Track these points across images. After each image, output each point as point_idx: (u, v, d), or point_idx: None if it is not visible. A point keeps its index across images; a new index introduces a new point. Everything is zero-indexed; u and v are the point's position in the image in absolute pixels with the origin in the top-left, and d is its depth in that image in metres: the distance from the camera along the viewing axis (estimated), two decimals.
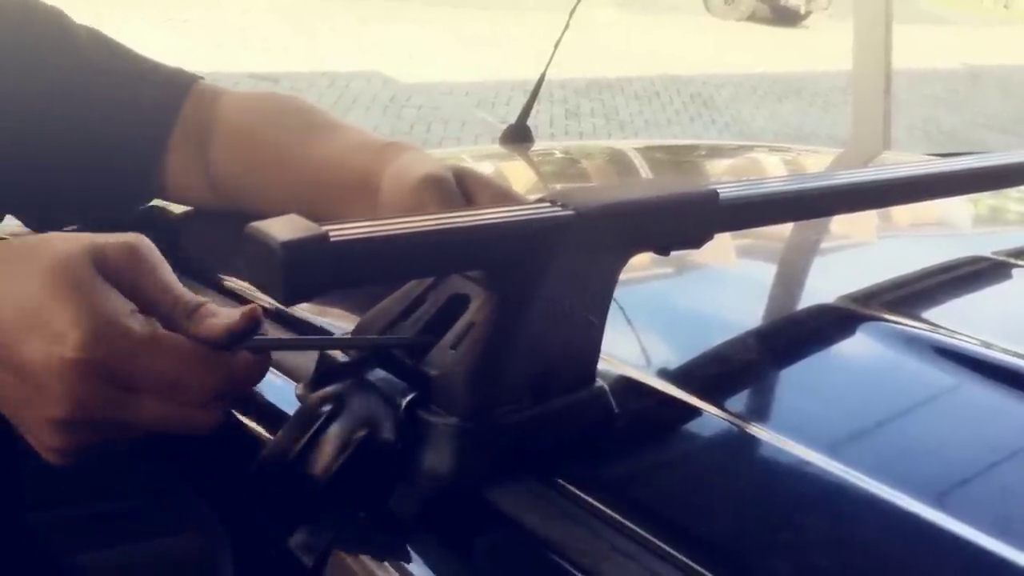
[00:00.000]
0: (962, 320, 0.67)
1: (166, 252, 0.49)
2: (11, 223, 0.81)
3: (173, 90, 0.80)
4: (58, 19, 0.77)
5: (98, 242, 0.45)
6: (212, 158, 0.80)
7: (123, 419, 0.44)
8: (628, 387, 0.55)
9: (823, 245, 0.94)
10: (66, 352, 0.42)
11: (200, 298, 0.47)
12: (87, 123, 0.76)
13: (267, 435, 0.53)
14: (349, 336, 0.52)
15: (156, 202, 0.88)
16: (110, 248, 0.45)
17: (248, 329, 0.45)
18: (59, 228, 0.83)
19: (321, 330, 0.62)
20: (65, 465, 0.46)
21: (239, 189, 0.80)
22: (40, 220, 0.81)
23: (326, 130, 0.76)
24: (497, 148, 1.45)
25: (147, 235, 0.48)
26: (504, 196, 0.63)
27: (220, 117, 0.80)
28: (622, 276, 0.53)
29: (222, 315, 0.46)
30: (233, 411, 0.52)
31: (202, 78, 0.83)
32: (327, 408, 0.49)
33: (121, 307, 0.44)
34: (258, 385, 0.49)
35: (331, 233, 0.40)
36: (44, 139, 0.74)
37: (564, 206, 0.49)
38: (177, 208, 0.87)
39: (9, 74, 0.72)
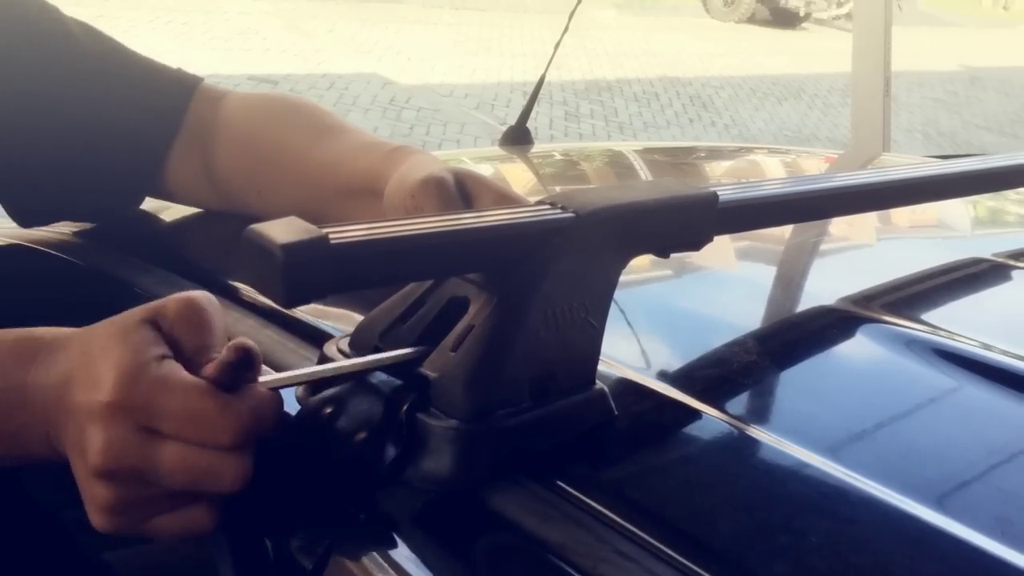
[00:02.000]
0: (962, 322, 0.67)
1: (167, 253, 0.49)
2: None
3: (178, 91, 0.80)
4: (61, 21, 0.77)
5: (162, 300, 0.47)
6: (216, 159, 0.80)
7: (151, 465, 0.44)
8: (628, 389, 0.55)
9: (823, 247, 0.94)
10: (101, 396, 0.43)
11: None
12: (91, 123, 0.76)
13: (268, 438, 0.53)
14: (356, 361, 0.51)
15: (158, 203, 0.87)
16: (171, 303, 0.47)
17: (240, 362, 0.45)
18: (49, 223, 0.83)
19: (321, 332, 0.62)
20: (112, 536, 0.46)
21: (242, 191, 0.80)
22: (35, 216, 0.80)
23: (333, 132, 0.75)
24: (497, 150, 1.45)
25: (148, 236, 0.48)
26: (505, 198, 0.63)
27: (224, 118, 0.79)
28: (622, 278, 0.53)
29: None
30: None
31: (203, 80, 0.83)
32: (328, 411, 0.49)
33: (151, 352, 0.44)
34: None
35: (331, 236, 0.40)
36: (47, 138, 0.74)
37: (563, 208, 0.49)
38: (179, 210, 0.87)
39: (13, 75, 0.72)
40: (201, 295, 0.48)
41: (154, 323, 0.46)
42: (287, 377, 0.49)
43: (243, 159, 0.78)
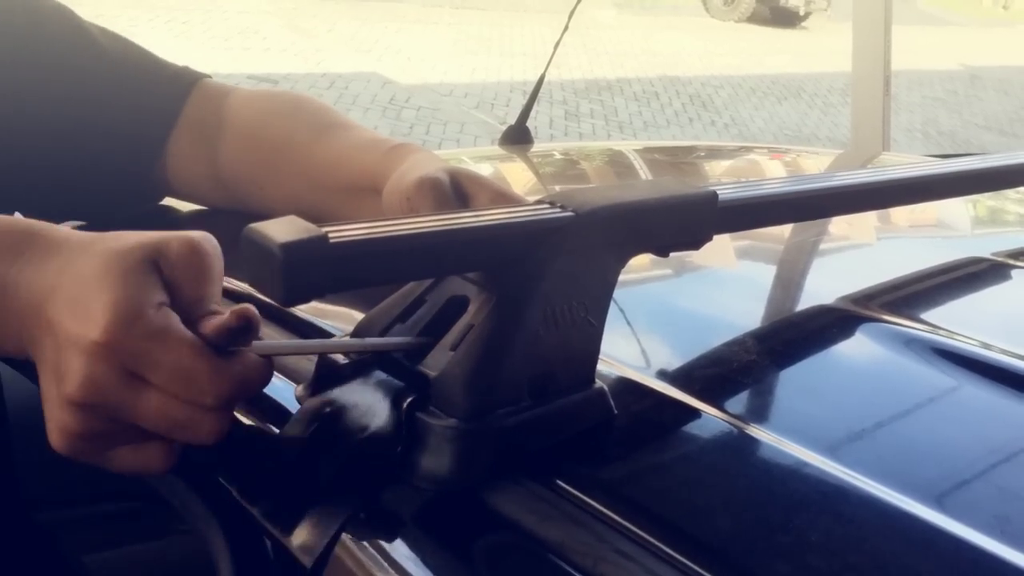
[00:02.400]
0: (961, 321, 0.67)
1: None
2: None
3: (176, 87, 0.80)
4: (68, 17, 0.77)
5: (164, 238, 0.46)
6: (219, 156, 0.80)
7: (130, 408, 0.44)
8: (627, 388, 0.55)
9: (822, 246, 0.94)
10: (92, 334, 0.43)
11: (223, 304, 0.47)
12: (89, 120, 0.76)
13: (268, 437, 0.53)
14: (351, 340, 0.52)
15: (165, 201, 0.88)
16: (174, 243, 0.46)
17: (240, 328, 0.45)
18: (58, 221, 0.83)
19: (321, 331, 0.62)
20: (66, 461, 0.46)
21: (245, 187, 0.79)
22: (43, 216, 0.80)
23: (335, 129, 0.75)
24: (496, 149, 1.45)
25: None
26: (502, 197, 0.63)
27: (229, 114, 0.79)
28: (621, 277, 0.53)
29: (222, 316, 0.46)
30: (235, 414, 0.52)
31: (209, 76, 0.83)
32: (327, 410, 0.49)
33: (151, 298, 0.44)
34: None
35: (330, 234, 0.40)
36: (47, 136, 0.74)
37: (563, 207, 0.49)
38: (181, 208, 0.87)
39: (16, 71, 0.72)
40: (204, 238, 0.47)
41: (155, 264, 0.45)
42: (279, 346, 0.49)
43: (246, 155, 0.78)
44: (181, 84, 0.80)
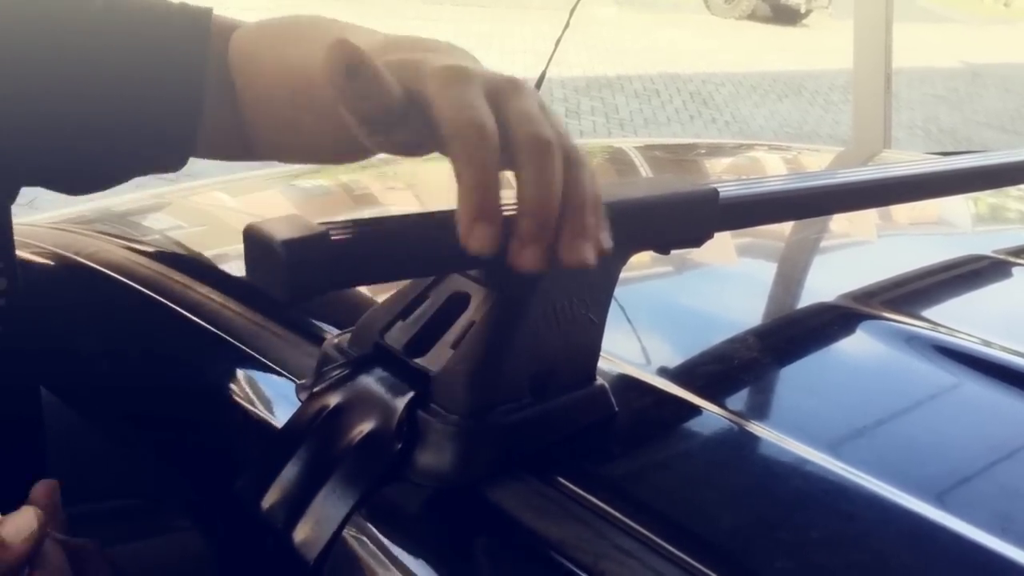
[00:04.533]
0: (962, 318, 0.67)
1: (165, 248, 0.49)
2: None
3: (197, 31, 0.69)
4: None
5: None
6: (241, 103, 0.69)
7: None
8: (628, 385, 0.55)
9: (823, 244, 0.94)
10: None
11: None
12: (113, 80, 0.67)
13: (269, 433, 0.53)
14: None
15: (158, 197, 0.87)
16: None
17: None
18: (96, 190, 0.78)
19: (322, 329, 0.62)
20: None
21: (277, 135, 0.69)
22: (74, 185, 0.72)
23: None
24: None
25: (149, 237, 0.47)
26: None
27: (242, 53, 0.69)
28: (622, 275, 0.53)
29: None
30: (237, 407, 0.52)
31: (211, 9, 0.72)
32: (328, 407, 0.49)
33: None
34: (259, 382, 0.49)
35: (331, 232, 0.40)
36: (76, 104, 0.66)
37: None
38: (181, 205, 0.87)
39: (28, 36, 0.63)
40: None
41: None
42: None
43: (271, 96, 0.67)
44: (200, 27, 0.69)
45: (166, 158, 0.71)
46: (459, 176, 0.39)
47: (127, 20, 0.68)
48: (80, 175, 0.71)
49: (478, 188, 0.39)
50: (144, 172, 0.73)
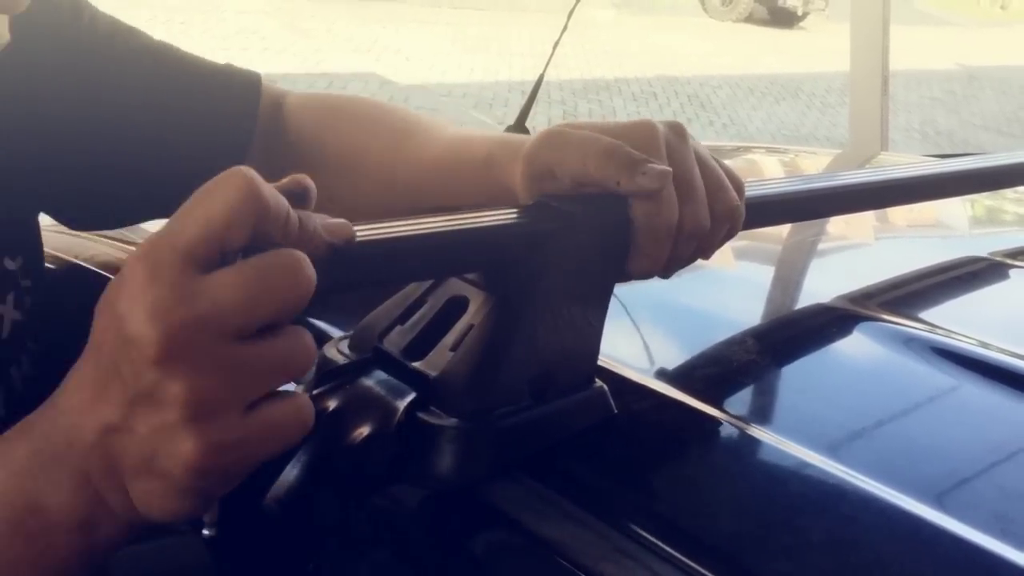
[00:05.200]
0: (960, 320, 0.67)
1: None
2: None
3: (248, 94, 0.73)
4: (133, 33, 0.70)
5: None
6: (283, 166, 0.72)
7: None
8: (627, 388, 0.55)
9: (821, 246, 0.94)
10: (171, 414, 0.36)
11: None
12: (163, 129, 0.69)
13: None
14: None
15: None
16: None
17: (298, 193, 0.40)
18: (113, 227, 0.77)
19: (321, 332, 0.62)
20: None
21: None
22: (90, 222, 0.75)
23: (417, 135, 0.68)
24: None
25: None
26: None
27: (288, 122, 0.73)
28: None
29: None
30: None
31: (259, 75, 0.76)
32: (328, 409, 0.49)
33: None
34: None
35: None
36: (133, 154, 0.68)
37: (563, 207, 0.49)
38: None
39: (97, 91, 0.66)
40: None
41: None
42: None
43: (310, 164, 0.69)
44: (251, 90, 0.73)
45: None
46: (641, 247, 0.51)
47: (183, 70, 0.70)
48: (102, 212, 0.71)
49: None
50: (163, 216, 0.74)
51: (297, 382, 0.53)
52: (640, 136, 0.52)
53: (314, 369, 0.52)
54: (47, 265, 0.81)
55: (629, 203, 0.50)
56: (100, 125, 0.66)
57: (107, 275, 0.76)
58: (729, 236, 0.56)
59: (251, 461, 0.37)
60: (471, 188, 0.61)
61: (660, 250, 0.51)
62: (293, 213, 0.38)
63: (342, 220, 0.40)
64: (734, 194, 0.54)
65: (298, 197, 0.39)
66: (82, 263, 0.79)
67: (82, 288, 0.78)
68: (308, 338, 0.38)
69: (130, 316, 0.35)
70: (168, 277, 0.34)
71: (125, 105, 0.67)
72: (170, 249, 0.35)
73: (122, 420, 0.36)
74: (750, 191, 0.59)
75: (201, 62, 0.72)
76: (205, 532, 0.39)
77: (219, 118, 0.70)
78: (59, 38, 0.64)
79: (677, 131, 0.53)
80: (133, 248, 0.82)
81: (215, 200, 0.36)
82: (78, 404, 0.37)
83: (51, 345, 0.66)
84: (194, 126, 0.69)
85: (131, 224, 0.77)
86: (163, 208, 0.72)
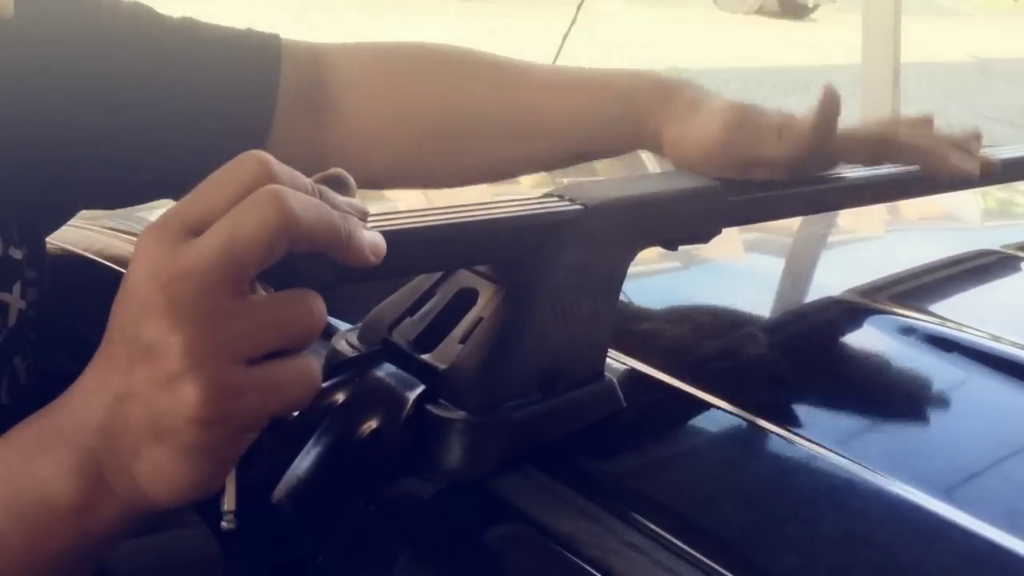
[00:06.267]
0: (971, 313, 0.67)
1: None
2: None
3: (267, 56, 0.68)
4: (152, 13, 0.67)
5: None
6: (332, 133, 0.68)
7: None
8: (636, 381, 0.55)
9: (831, 239, 0.94)
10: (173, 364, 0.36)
11: None
12: (183, 102, 0.66)
13: (277, 428, 0.53)
14: None
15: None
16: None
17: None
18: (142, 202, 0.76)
19: (330, 324, 0.62)
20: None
21: (395, 162, 0.67)
22: (123, 199, 0.72)
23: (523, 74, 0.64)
24: None
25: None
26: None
27: (337, 80, 0.68)
28: (630, 270, 0.53)
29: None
30: None
31: (278, 35, 0.71)
32: (337, 402, 0.49)
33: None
34: None
35: None
36: (152, 127, 0.65)
37: (572, 200, 0.49)
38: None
39: (100, 61, 0.63)
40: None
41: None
42: None
43: (395, 125, 0.66)
44: (270, 52, 0.68)
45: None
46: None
47: (201, 42, 0.67)
48: (131, 187, 0.69)
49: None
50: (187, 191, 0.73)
51: None
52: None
53: (324, 361, 0.52)
54: (54, 258, 0.81)
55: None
56: (116, 105, 0.64)
57: (111, 266, 0.76)
58: None
59: (256, 416, 0.37)
60: (608, 134, 0.60)
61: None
62: (315, 188, 0.38)
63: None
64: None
65: (338, 184, 0.40)
66: (88, 255, 0.79)
67: (87, 280, 0.78)
68: (316, 302, 0.38)
69: (136, 279, 0.36)
70: (169, 242, 0.35)
71: (142, 84, 0.65)
72: (176, 220, 0.36)
73: (130, 384, 0.36)
74: (762, 185, 0.59)
75: (219, 32, 0.69)
76: (224, 524, 0.39)
77: (237, 87, 0.67)
78: (75, 19, 0.63)
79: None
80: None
81: (223, 177, 0.37)
82: (94, 382, 0.37)
83: (56, 336, 0.67)
84: (212, 98, 0.66)
85: (166, 196, 0.71)
86: (185, 184, 0.71)
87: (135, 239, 0.86)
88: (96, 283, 0.79)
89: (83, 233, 0.85)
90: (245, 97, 0.67)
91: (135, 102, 0.64)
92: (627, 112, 0.62)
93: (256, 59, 0.67)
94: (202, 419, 0.35)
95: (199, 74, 0.66)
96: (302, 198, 0.36)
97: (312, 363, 0.38)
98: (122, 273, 0.37)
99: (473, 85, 0.65)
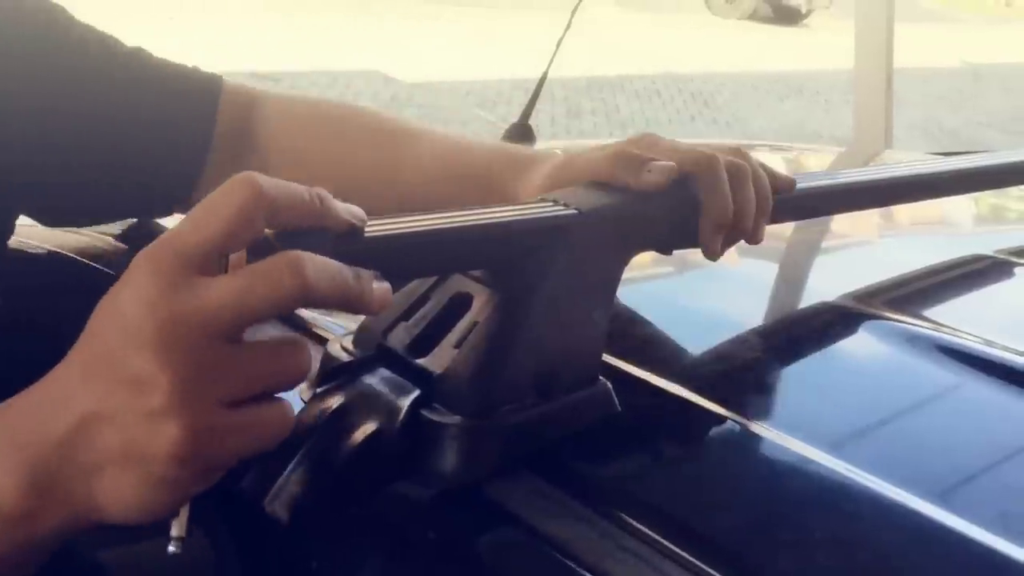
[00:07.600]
0: (965, 318, 0.67)
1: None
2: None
3: (207, 96, 0.71)
4: (105, 41, 0.69)
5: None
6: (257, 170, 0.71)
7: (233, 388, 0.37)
8: (631, 385, 0.55)
9: (826, 244, 0.94)
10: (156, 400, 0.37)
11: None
12: (121, 128, 0.68)
13: None
14: None
15: None
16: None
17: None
18: (76, 226, 0.79)
19: (324, 330, 0.62)
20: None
21: None
22: (62, 219, 0.75)
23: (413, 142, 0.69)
24: None
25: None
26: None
27: (265, 131, 0.72)
28: (625, 275, 0.53)
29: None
30: None
31: (221, 77, 0.74)
32: (332, 407, 0.49)
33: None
34: None
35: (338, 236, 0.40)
36: (75, 142, 0.67)
37: (566, 205, 0.49)
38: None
39: (40, 86, 0.67)
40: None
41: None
42: None
43: (284, 171, 0.70)
44: (211, 93, 0.71)
45: (158, 207, 0.73)
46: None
47: (146, 76, 0.69)
48: (69, 209, 0.71)
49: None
50: (129, 216, 0.77)
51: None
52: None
53: (318, 366, 0.52)
54: (43, 261, 0.81)
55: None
56: (68, 130, 0.66)
57: (104, 269, 0.76)
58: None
59: (230, 456, 0.38)
60: (471, 201, 0.61)
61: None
62: (312, 191, 0.39)
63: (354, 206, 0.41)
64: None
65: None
66: (80, 258, 0.79)
67: (78, 282, 0.78)
68: (305, 350, 0.39)
69: (129, 307, 0.36)
70: (168, 274, 0.36)
71: (91, 110, 0.67)
72: (172, 251, 0.36)
73: (105, 407, 0.36)
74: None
75: (164, 67, 0.71)
76: (171, 548, 0.39)
77: (176, 122, 0.70)
78: (31, 45, 0.64)
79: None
80: (110, 238, 0.83)
81: (217, 205, 0.37)
82: (60, 394, 0.37)
83: (28, 334, 0.66)
84: (152, 130, 0.69)
85: (102, 223, 0.78)
86: (129, 209, 0.75)
87: (109, 238, 0.86)
88: (73, 283, 0.79)
89: (63, 234, 0.85)
90: (182, 135, 0.70)
91: (74, 125, 0.67)
92: (487, 189, 0.65)
93: (196, 99, 0.71)
94: (178, 457, 0.36)
95: (139, 106, 0.69)
96: (319, 263, 0.37)
97: (287, 407, 0.39)
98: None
99: (371, 149, 0.69)
